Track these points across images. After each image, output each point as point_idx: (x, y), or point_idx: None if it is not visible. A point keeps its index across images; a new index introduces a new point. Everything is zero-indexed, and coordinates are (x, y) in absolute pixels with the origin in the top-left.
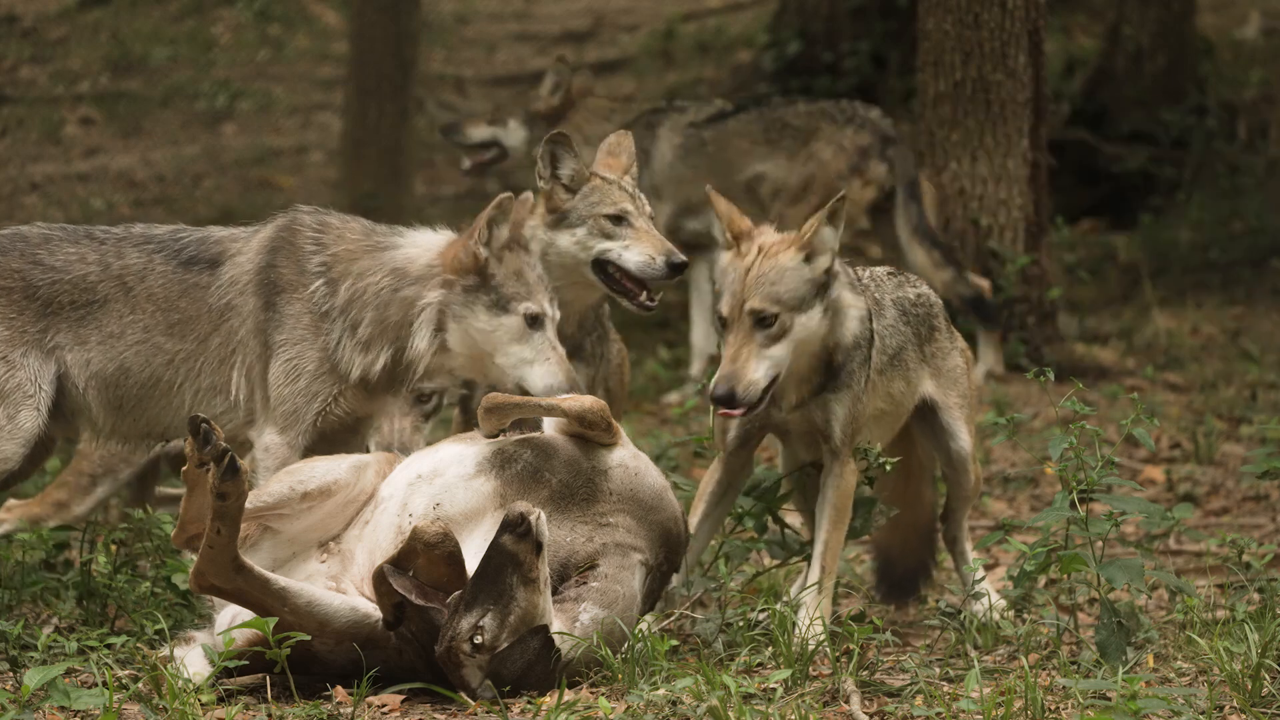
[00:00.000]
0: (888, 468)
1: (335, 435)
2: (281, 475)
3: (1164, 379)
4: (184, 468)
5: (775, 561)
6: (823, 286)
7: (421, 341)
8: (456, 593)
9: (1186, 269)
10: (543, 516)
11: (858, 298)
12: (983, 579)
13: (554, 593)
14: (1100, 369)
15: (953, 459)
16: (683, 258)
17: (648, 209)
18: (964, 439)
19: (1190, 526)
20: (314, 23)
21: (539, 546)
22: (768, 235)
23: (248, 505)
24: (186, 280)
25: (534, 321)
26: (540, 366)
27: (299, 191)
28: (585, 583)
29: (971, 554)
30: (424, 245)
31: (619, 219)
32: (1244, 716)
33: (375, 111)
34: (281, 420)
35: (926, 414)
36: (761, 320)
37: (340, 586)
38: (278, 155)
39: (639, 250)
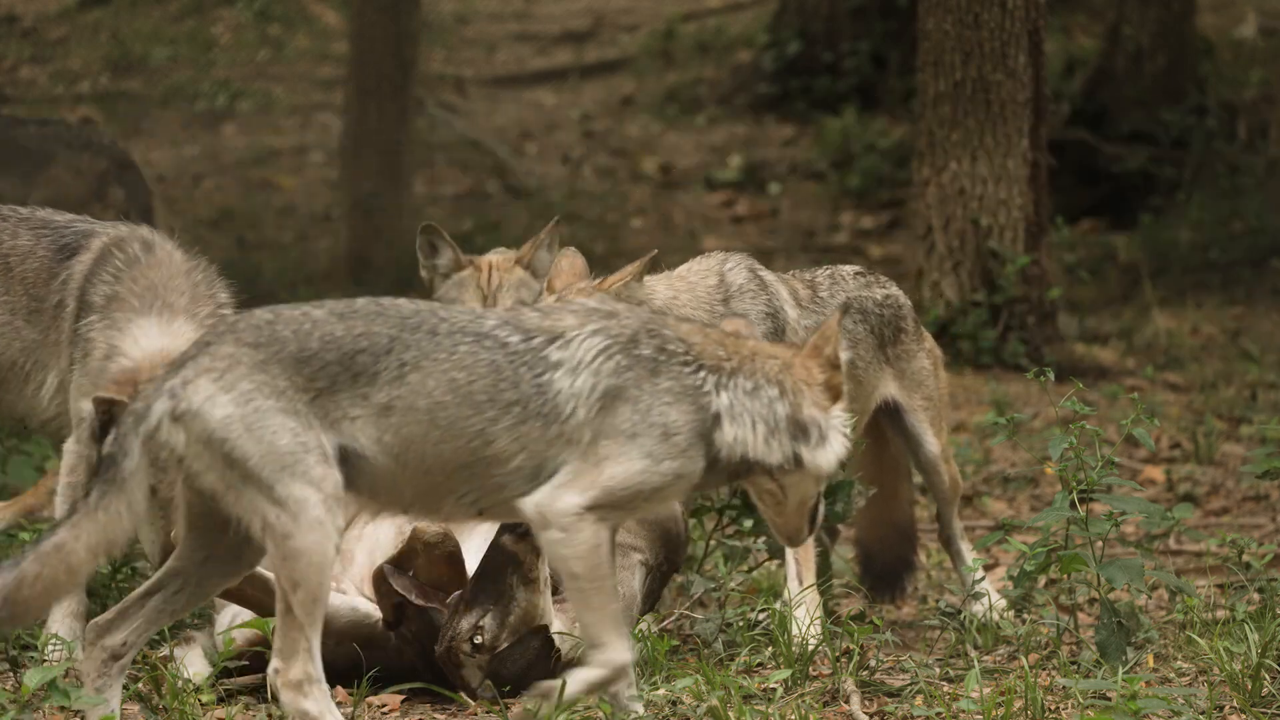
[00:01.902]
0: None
1: None
2: None
3: (1164, 379)
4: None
5: (773, 560)
6: None
7: (81, 436)
8: (456, 593)
9: (1186, 269)
10: None
11: (751, 300)
12: (983, 579)
13: (554, 593)
14: (1100, 369)
15: (923, 463)
16: None
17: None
18: (930, 442)
19: (1190, 526)
20: (314, 23)
21: (539, 546)
22: (566, 277)
23: None
24: (53, 269)
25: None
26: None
27: (299, 191)
28: None
29: (971, 554)
30: (134, 350)
31: None
32: (1244, 716)
33: (375, 111)
34: (76, 430)
35: (894, 416)
36: None
37: (340, 586)
38: (278, 155)
39: None
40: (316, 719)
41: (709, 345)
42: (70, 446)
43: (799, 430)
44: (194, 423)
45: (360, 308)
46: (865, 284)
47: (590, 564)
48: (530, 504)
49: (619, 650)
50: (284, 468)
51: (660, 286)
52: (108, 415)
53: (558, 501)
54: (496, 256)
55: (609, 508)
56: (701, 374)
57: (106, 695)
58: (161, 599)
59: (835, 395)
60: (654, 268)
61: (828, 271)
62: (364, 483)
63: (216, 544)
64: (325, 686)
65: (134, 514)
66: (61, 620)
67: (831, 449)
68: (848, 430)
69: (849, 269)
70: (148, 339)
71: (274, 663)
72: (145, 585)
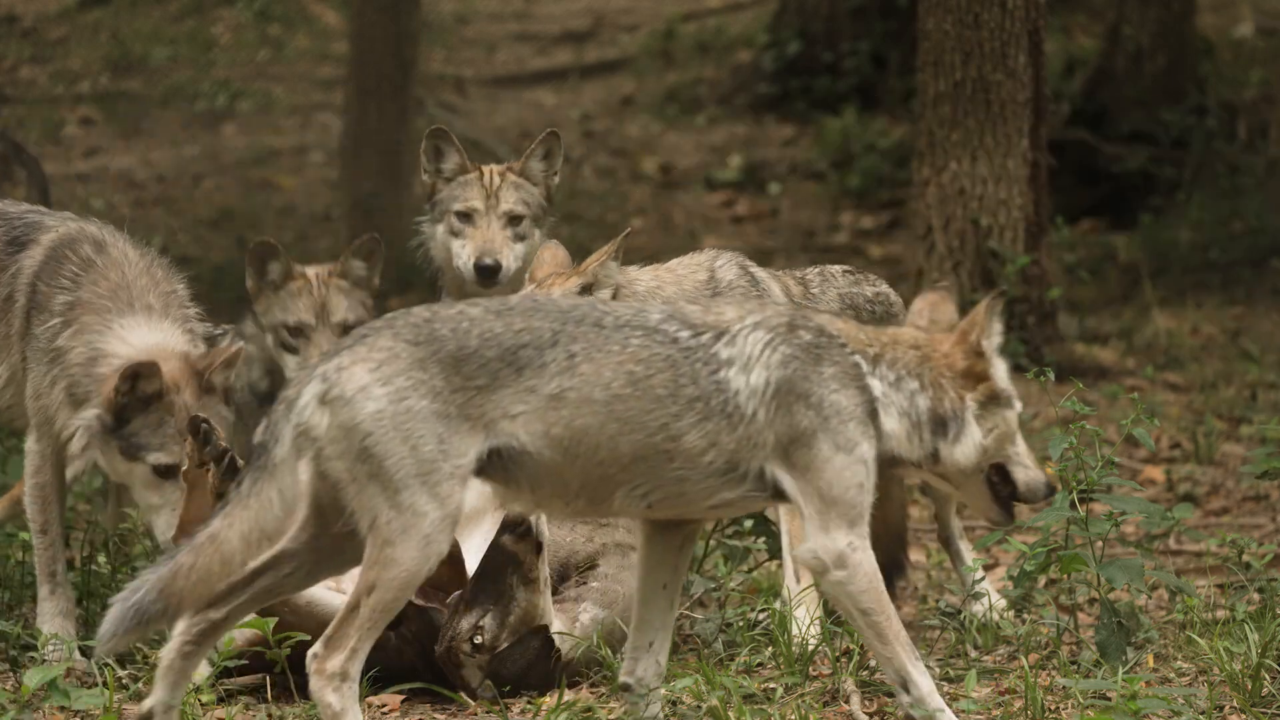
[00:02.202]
0: None
1: None
2: None
3: (1164, 379)
4: (184, 468)
5: (773, 560)
6: None
7: (74, 446)
8: (456, 593)
9: (1186, 269)
10: (543, 516)
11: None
12: (983, 579)
13: (554, 593)
14: (1100, 369)
15: None
16: (489, 261)
17: (507, 203)
18: None
19: (1190, 526)
20: (314, 23)
21: (539, 546)
22: (548, 268)
23: None
24: (3, 261)
25: (163, 472)
26: (164, 516)
27: (299, 191)
28: (585, 583)
29: (970, 554)
30: (123, 349)
31: (466, 216)
32: (1244, 716)
33: (375, 111)
34: (37, 430)
35: None
36: None
37: (340, 586)
38: (278, 155)
39: (466, 251)
40: (339, 713)
41: (850, 329)
42: (33, 447)
43: (938, 424)
44: (342, 409)
45: (516, 304)
46: (854, 281)
47: (876, 593)
48: (807, 553)
49: (924, 685)
50: (417, 475)
51: (645, 275)
52: (129, 392)
53: (827, 547)
54: (497, 165)
55: (853, 519)
56: (855, 357)
57: (186, 665)
58: (270, 579)
59: (975, 382)
60: (650, 260)
61: (817, 270)
62: (524, 477)
63: (335, 531)
64: (356, 689)
65: (286, 501)
66: (51, 619)
67: (970, 442)
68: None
69: (838, 268)
70: (137, 336)
71: (316, 647)
72: (257, 563)
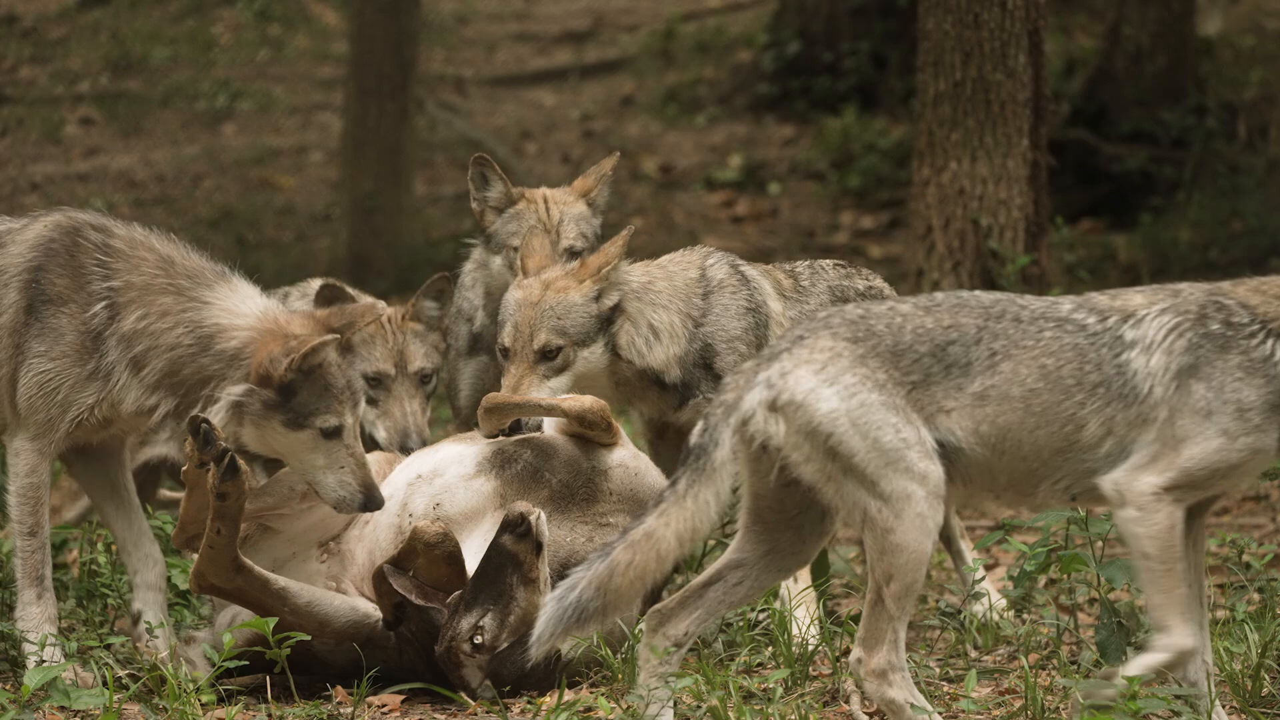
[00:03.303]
0: None
1: (98, 429)
2: (281, 475)
3: None
4: (184, 468)
5: None
6: (607, 321)
7: (217, 419)
8: (456, 593)
9: (1186, 269)
10: (543, 516)
11: (732, 295)
12: (983, 579)
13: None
14: None
15: None
16: None
17: (568, 239)
18: None
19: None
20: (314, 23)
21: (539, 546)
22: (553, 270)
23: (248, 505)
24: None
25: (331, 433)
26: (333, 474)
27: (299, 191)
28: None
29: (970, 554)
30: (237, 318)
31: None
32: (1244, 717)
33: (375, 111)
34: (34, 428)
35: None
36: (546, 354)
37: (340, 586)
38: (278, 155)
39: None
40: (902, 706)
41: (1272, 307)
42: (26, 445)
43: None
44: (796, 414)
45: (941, 300)
46: (846, 275)
47: (1163, 545)
48: (1109, 482)
49: (1184, 635)
50: (889, 463)
51: (636, 271)
52: (298, 367)
53: (1136, 481)
54: (551, 190)
55: (1186, 488)
56: (1269, 343)
57: (670, 681)
58: (721, 590)
59: None
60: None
61: (807, 263)
62: (958, 473)
63: (780, 538)
64: (908, 674)
65: (720, 503)
66: (39, 625)
67: None
68: None
69: (829, 261)
70: (240, 305)
71: (856, 652)
72: (704, 576)
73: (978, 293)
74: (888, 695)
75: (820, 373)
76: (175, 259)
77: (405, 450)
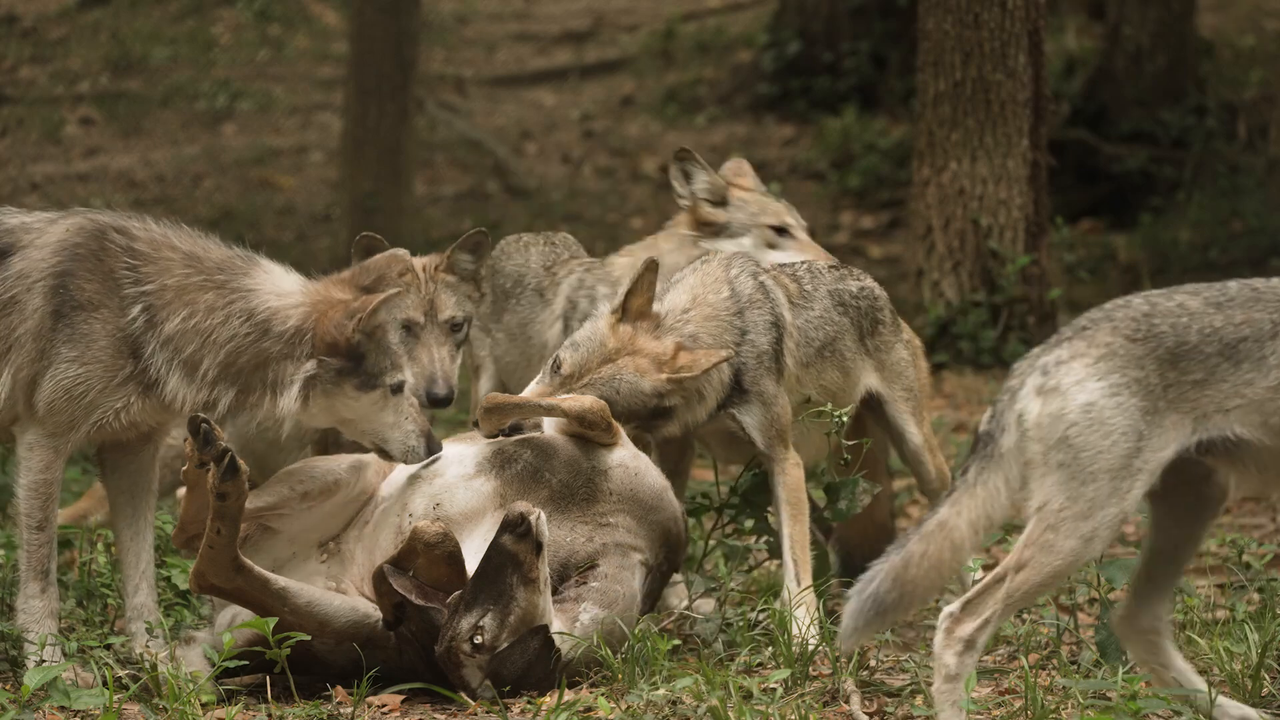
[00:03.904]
0: (845, 419)
1: (122, 434)
2: (281, 475)
3: None
4: (184, 468)
5: (773, 560)
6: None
7: (286, 403)
8: (456, 593)
9: (1186, 269)
10: (543, 516)
11: (759, 311)
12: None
13: (554, 593)
14: None
15: (906, 455)
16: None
17: (803, 221)
18: (913, 433)
19: None
20: (314, 23)
21: (539, 546)
22: (645, 335)
23: (248, 505)
24: None
25: (398, 389)
26: (400, 429)
27: (299, 191)
28: (585, 583)
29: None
30: (286, 297)
31: (781, 230)
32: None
33: (375, 111)
34: (53, 426)
35: (875, 408)
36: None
37: (340, 586)
38: (278, 155)
39: (806, 259)
40: (953, 675)
41: None
42: (43, 442)
43: None
44: (1054, 399)
45: (1235, 295)
46: (840, 276)
47: None
48: None
49: None
50: (1107, 470)
51: (680, 300)
52: (360, 328)
53: None
54: (747, 179)
55: None
56: None
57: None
58: (1159, 576)
59: None
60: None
61: (805, 264)
62: (1250, 461)
63: (1188, 518)
64: (976, 660)
65: (1011, 489)
66: (41, 620)
67: None
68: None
69: (823, 263)
70: (283, 286)
71: (951, 606)
72: (1142, 571)
73: (1274, 282)
74: (947, 659)
75: (1091, 366)
76: (199, 254)
77: (432, 398)
